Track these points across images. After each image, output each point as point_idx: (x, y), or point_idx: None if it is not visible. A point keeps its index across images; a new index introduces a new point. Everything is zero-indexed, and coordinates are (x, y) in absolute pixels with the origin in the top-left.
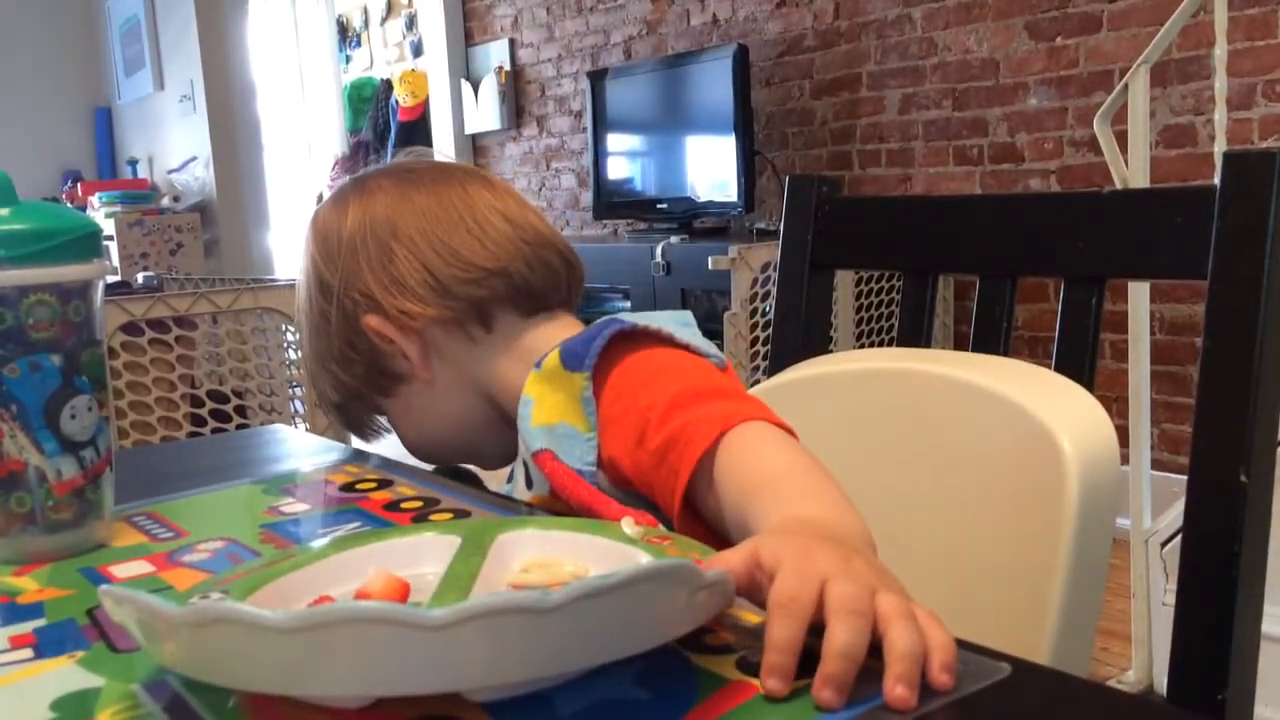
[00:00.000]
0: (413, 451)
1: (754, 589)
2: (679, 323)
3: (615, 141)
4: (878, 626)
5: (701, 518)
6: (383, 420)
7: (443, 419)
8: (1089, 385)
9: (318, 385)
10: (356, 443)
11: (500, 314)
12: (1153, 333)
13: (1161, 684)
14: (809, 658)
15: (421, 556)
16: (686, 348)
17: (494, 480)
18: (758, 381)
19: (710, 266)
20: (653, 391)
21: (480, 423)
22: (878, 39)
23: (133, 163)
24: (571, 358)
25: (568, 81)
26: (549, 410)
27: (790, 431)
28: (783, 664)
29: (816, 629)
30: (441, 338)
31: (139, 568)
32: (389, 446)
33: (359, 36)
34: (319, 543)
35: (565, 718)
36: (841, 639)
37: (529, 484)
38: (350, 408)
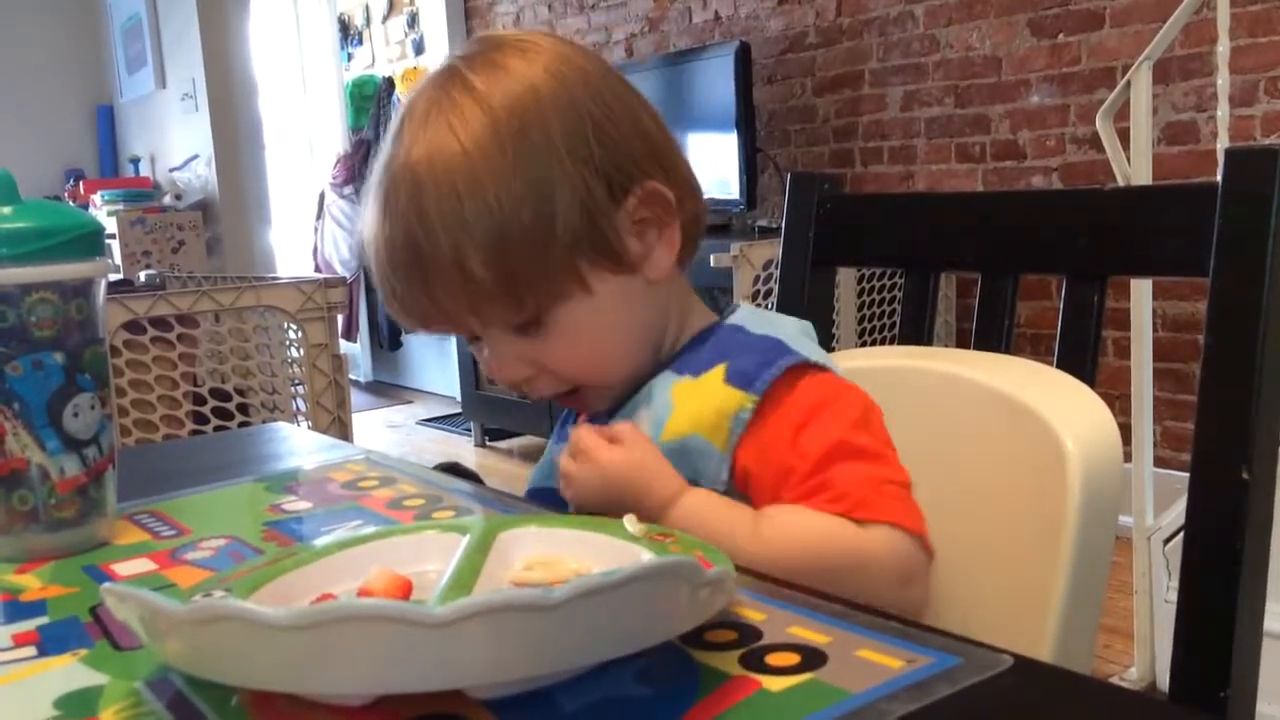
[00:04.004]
0: (578, 377)
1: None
2: (804, 333)
3: None
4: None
5: None
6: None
7: (627, 333)
8: (1091, 382)
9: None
10: (359, 439)
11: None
12: (1155, 330)
13: (1164, 681)
14: (800, 654)
15: (423, 554)
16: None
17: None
18: None
19: (712, 264)
20: (808, 432)
21: (638, 345)
22: (880, 36)
23: (135, 161)
24: (740, 376)
25: None
26: (685, 420)
27: (914, 529)
28: None
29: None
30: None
31: (141, 565)
32: (390, 444)
33: (360, 34)
34: (321, 541)
35: (567, 715)
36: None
37: None
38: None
